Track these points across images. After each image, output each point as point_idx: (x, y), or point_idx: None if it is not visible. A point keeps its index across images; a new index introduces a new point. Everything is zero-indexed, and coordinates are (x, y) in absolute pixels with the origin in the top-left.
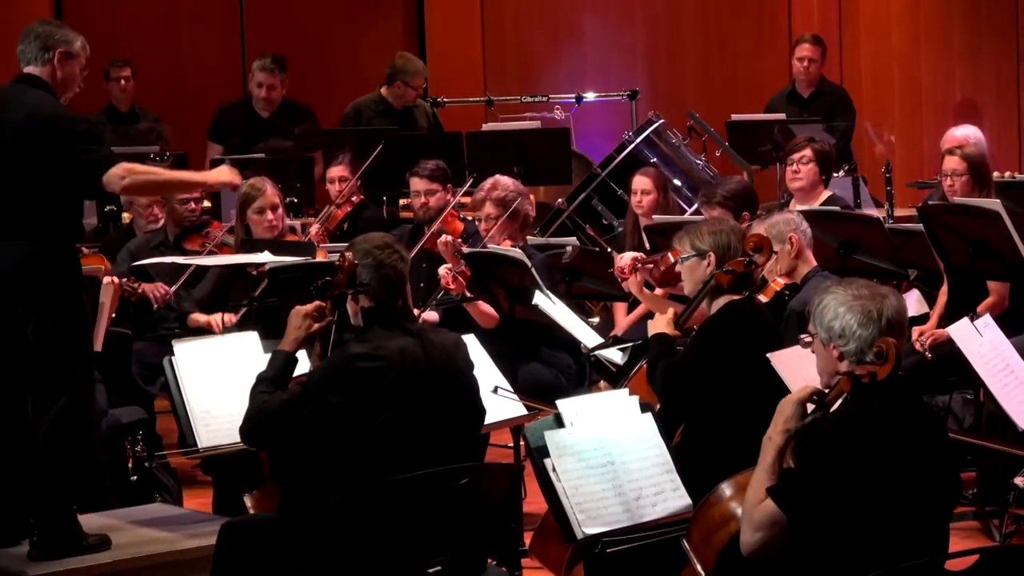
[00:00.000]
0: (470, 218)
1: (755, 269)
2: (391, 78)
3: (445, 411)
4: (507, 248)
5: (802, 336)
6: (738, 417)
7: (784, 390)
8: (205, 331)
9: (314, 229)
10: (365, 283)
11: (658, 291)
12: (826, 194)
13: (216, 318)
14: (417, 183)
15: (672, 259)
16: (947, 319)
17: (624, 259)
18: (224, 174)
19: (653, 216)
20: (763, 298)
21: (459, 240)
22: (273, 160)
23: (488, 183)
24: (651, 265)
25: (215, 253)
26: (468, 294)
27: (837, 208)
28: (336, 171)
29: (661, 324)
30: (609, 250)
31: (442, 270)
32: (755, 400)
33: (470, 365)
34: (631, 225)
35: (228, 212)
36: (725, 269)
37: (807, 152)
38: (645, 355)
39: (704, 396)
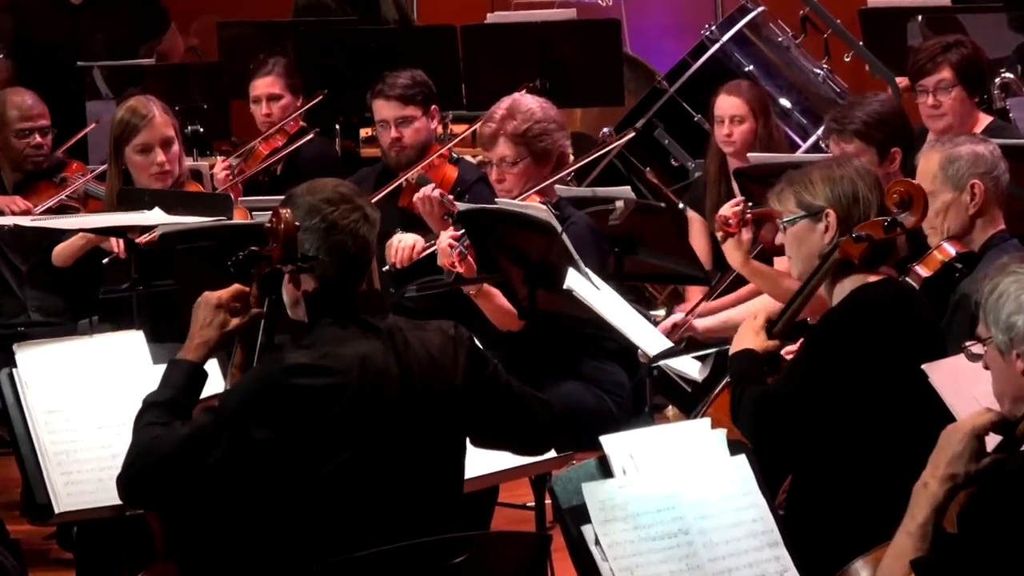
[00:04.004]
0: (473, 159)
1: (901, 235)
2: None
3: (432, 451)
4: (526, 204)
5: (967, 344)
6: (875, 462)
7: (948, 417)
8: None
9: (220, 171)
10: (310, 256)
11: (777, 264)
12: (984, 121)
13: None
14: (384, 108)
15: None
16: None
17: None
18: None
19: (748, 155)
20: (923, 271)
21: (450, 196)
22: (166, 69)
23: (502, 107)
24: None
25: (76, 210)
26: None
27: None
28: (264, 85)
29: (746, 334)
30: (681, 205)
31: (442, 244)
32: (902, 435)
33: (478, 365)
34: (715, 168)
35: (99, 150)
36: (855, 235)
37: (945, 73)
38: None
39: (821, 433)
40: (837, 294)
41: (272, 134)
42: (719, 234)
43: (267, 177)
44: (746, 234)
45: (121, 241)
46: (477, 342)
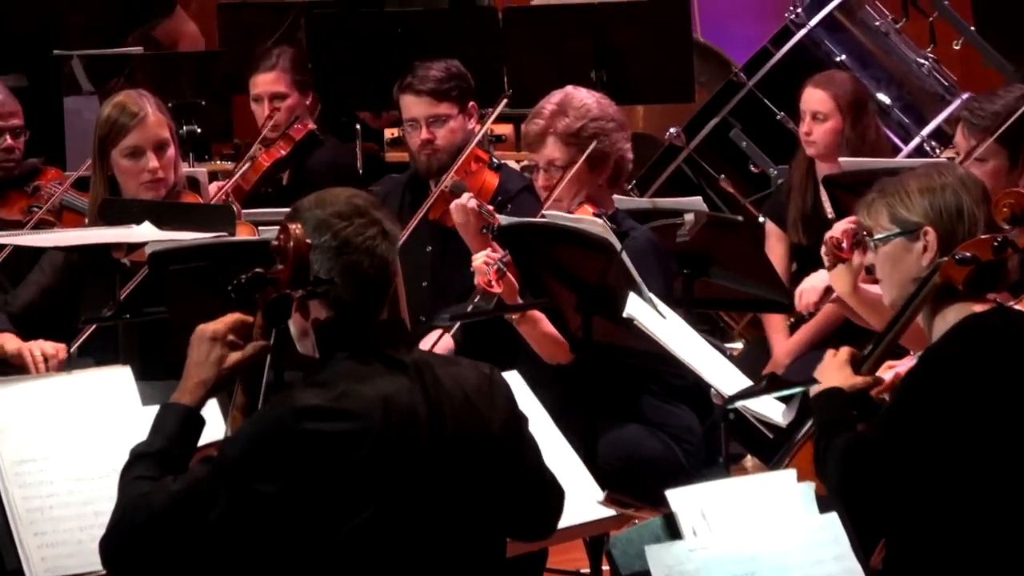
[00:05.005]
0: (517, 164)
1: (1012, 256)
2: None
3: (468, 506)
4: (578, 218)
5: None
6: (988, 523)
7: None
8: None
9: (214, 189)
10: (323, 279)
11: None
12: None
13: (33, 349)
14: (413, 105)
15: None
16: None
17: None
18: None
19: (839, 159)
20: None
21: (490, 208)
22: (155, 58)
23: (553, 102)
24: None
25: (52, 224)
26: (516, 300)
27: None
28: (266, 82)
29: (830, 369)
30: (760, 218)
31: (477, 261)
32: (1020, 492)
33: (514, 420)
34: (801, 173)
35: (78, 153)
36: (958, 256)
37: None
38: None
39: (924, 488)
40: (938, 326)
41: (274, 140)
42: (827, 259)
43: (271, 188)
44: (859, 258)
45: (41, 365)
46: (507, 384)
